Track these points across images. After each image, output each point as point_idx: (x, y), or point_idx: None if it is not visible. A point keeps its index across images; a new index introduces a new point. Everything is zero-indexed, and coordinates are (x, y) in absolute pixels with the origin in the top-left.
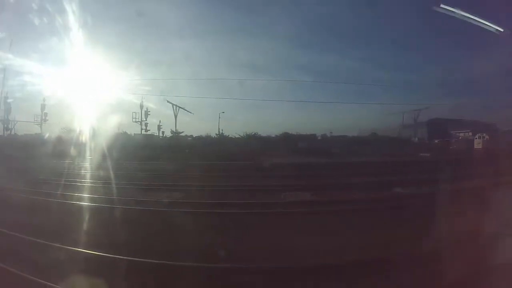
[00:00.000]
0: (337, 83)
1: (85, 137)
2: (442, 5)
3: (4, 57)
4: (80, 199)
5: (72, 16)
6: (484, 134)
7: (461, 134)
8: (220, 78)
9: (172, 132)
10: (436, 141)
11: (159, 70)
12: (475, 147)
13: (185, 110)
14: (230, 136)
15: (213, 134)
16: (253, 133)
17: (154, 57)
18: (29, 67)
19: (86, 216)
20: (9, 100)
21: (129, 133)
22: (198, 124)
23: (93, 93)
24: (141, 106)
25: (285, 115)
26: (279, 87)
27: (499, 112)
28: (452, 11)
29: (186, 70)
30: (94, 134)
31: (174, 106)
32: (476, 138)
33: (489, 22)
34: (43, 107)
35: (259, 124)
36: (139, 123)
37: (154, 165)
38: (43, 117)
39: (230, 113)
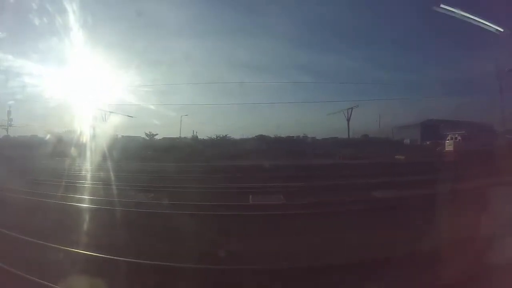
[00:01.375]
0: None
1: (77, 138)
2: (442, 5)
3: (4, 58)
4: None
5: (72, 16)
6: (457, 135)
7: (456, 135)
8: (216, 82)
9: (146, 134)
10: (427, 142)
11: (159, 70)
12: (446, 149)
13: (122, 114)
14: (203, 138)
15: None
16: (223, 135)
17: (154, 57)
18: (29, 67)
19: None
20: (10, 102)
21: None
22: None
23: (92, 93)
24: (89, 110)
25: (282, 116)
26: (278, 88)
27: (498, 113)
28: (452, 11)
29: (186, 70)
30: (83, 136)
31: (104, 112)
32: (447, 140)
33: (489, 22)
34: (9, 113)
35: (257, 126)
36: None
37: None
38: (9, 122)
39: (229, 115)
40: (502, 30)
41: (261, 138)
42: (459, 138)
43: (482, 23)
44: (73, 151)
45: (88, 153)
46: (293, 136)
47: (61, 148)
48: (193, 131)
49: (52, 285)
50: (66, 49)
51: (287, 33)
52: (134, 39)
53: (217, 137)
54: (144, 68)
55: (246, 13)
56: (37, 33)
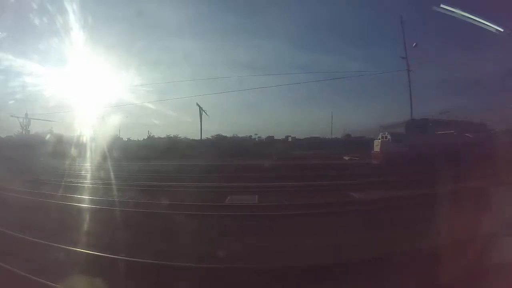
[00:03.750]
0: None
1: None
2: (442, 5)
3: (5, 58)
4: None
5: (73, 16)
6: (386, 133)
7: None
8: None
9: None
10: None
11: (159, 70)
12: (374, 150)
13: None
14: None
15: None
16: (174, 136)
17: (154, 57)
18: (29, 67)
19: None
20: (10, 102)
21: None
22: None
23: (92, 93)
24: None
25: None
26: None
27: (498, 112)
28: (452, 11)
29: (186, 70)
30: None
31: (19, 118)
32: (377, 139)
33: (489, 22)
34: None
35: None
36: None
37: None
38: None
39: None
40: (502, 30)
41: (218, 138)
42: (388, 137)
43: (482, 23)
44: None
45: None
46: (250, 136)
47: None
48: (148, 131)
49: (53, 284)
50: (67, 49)
51: (287, 33)
52: (134, 39)
53: (167, 136)
54: (144, 68)
55: (246, 13)
56: (37, 33)
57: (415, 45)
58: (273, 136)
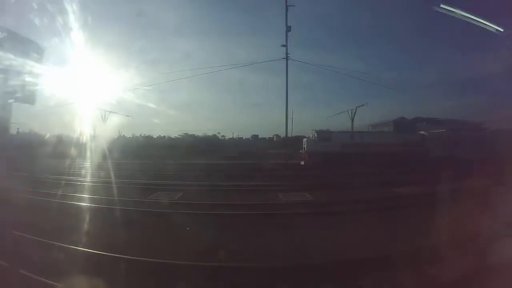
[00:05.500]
0: None
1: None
2: (442, 5)
3: (5, 57)
4: None
5: (73, 16)
6: (314, 132)
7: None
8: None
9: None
10: None
11: (159, 69)
12: (302, 149)
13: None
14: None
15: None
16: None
17: (154, 57)
18: (29, 67)
19: None
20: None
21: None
22: None
23: (92, 92)
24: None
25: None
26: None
27: (498, 112)
28: (452, 11)
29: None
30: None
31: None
32: (305, 138)
33: (489, 22)
34: None
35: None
36: None
37: None
38: None
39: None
40: (502, 30)
41: (186, 137)
42: (315, 136)
43: (482, 23)
44: None
45: None
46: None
47: None
48: (119, 130)
49: (52, 282)
50: (66, 49)
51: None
52: (134, 39)
53: (140, 135)
54: (144, 68)
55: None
56: (37, 33)
57: (288, 28)
58: (257, 135)
